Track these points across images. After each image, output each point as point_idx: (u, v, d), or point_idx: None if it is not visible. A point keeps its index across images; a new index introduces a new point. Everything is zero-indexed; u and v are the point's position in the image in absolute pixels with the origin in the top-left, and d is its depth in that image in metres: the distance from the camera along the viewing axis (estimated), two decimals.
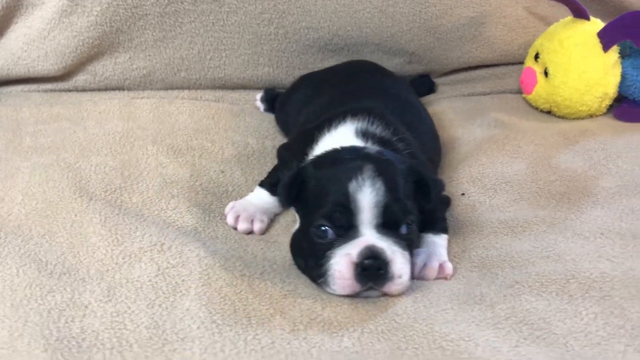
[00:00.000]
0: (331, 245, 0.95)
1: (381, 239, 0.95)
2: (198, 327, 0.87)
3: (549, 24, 1.70)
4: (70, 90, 1.59)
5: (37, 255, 0.99)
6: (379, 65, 1.54)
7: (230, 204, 1.17)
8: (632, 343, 0.88)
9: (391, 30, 1.61)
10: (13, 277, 0.93)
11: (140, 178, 1.25)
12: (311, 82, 1.49)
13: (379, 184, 0.94)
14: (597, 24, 1.56)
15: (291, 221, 1.21)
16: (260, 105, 1.59)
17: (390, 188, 0.95)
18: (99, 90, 1.59)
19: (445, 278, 1.05)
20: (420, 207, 1.03)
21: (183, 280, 0.97)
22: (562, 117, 1.60)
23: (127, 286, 0.94)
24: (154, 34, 1.51)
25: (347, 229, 0.95)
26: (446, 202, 1.22)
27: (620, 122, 1.56)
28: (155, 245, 1.04)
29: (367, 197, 0.94)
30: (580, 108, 1.55)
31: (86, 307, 0.89)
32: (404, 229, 0.97)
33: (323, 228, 0.96)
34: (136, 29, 1.50)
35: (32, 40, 1.49)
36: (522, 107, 1.66)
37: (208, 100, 1.60)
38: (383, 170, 0.96)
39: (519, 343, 0.89)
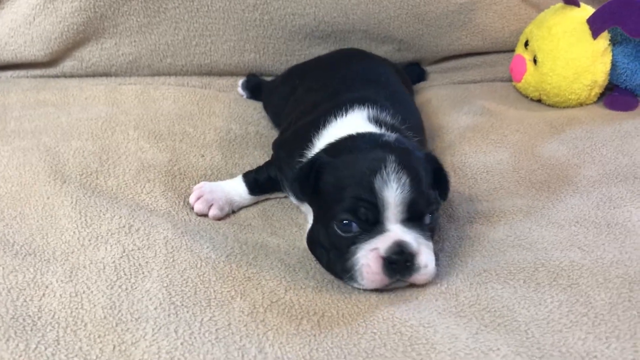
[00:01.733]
0: (356, 240, 0.93)
1: (407, 232, 0.93)
2: (155, 308, 0.87)
3: (540, 10, 1.67)
4: (58, 76, 1.60)
5: (5, 236, 1.00)
6: (367, 52, 1.53)
7: (201, 183, 1.17)
8: (593, 331, 0.87)
9: (379, 16, 1.59)
10: None
11: (118, 162, 1.25)
12: (300, 73, 1.48)
13: (404, 178, 0.92)
14: (587, 11, 1.53)
15: (269, 206, 1.21)
16: (242, 92, 1.59)
17: (415, 181, 0.93)
18: (86, 76, 1.60)
19: None
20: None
21: (147, 262, 0.97)
22: (552, 106, 1.57)
23: (90, 267, 0.94)
24: (139, 19, 1.51)
25: (373, 224, 0.93)
26: None
27: (610, 110, 1.53)
28: (123, 227, 1.05)
29: (393, 193, 0.92)
30: (570, 96, 1.53)
31: (46, 287, 0.90)
32: (427, 219, 0.96)
33: (346, 222, 0.93)
34: (120, 14, 1.50)
35: (18, 26, 1.50)
36: (512, 96, 1.64)
37: (194, 87, 1.61)
38: (406, 162, 0.94)
39: (479, 330, 0.88)
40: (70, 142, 1.31)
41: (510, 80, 1.68)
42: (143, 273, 0.95)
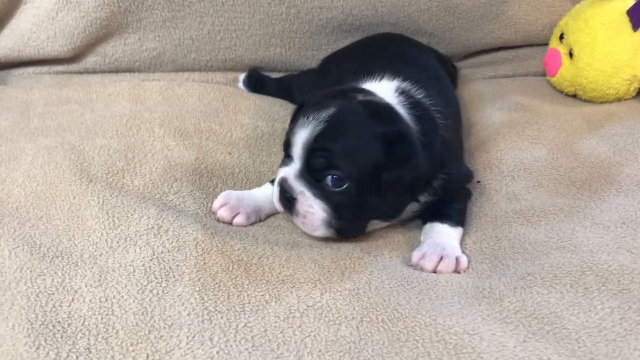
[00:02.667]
0: (282, 163, 1.03)
1: (299, 177, 0.99)
2: (188, 314, 0.84)
3: (575, 2, 1.61)
4: (80, 72, 1.57)
5: (32, 237, 0.97)
6: (406, 37, 1.48)
7: (226, 192, 1.11)
8: None
9: (408, 9, 1.54)
10: (5, 259, 0.91)
11: (144, 161, 1.22)
12: (336, 58, 1.44)
13: (319, 129, 0.95)
14: (625, 2, 1.47)
15: None
16: (243, 88, 1.54)
17: (326, 137, 0.95)
18: (109, 72, 1.57)
19: (459, 272, 1.00)
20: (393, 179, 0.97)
21: (177, 266, 0.94)
22: (588, 101, 1.52)
23: (120, 271, 0.91)
24: (163, 14, 1.48)
25: (290, 157, 1.01)
26: (467, 193, 1.16)
27: None
28: (152, 228, 1.02)
29: (301, 137, 0.97)
30: (607, 91, 1.47)
31: (75, 291, 0.86)
32: (328, 180, 0.96)
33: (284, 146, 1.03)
34: (144, 8, 1.47)
35: (41, 21, 1.47)
36: (546, 90, 1.58)
37: (219, 83, 1.57)
38: (339, 117, 0.95)
39: (527, 338, 0.84)
40: (95, 140, 1.28)
41: (543, 74, 1.63)
42: (174, 277, 0.91)
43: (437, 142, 1.02)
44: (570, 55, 1.51)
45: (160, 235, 1.00)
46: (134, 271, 0.91)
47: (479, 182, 1.23)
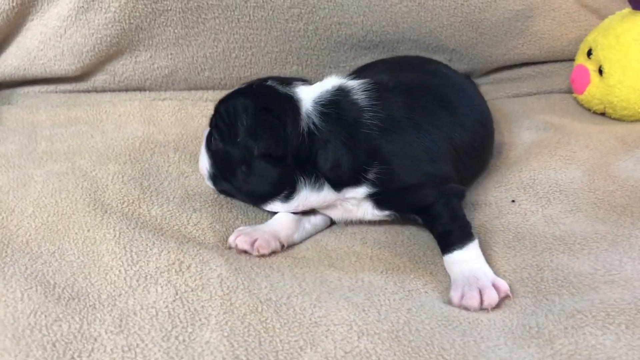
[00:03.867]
0: None
1: (206, 137, 1.12)
2: None
3: (601, 17, 1.56)
4: (89, 91, 1.50)
5: (45, 276, 0.90)
6: (433, 61, 1.41)
7: (240, 228, 1.07)
8: None
9: (430, 25, 1.49)
10: (17, 302, 0.84)
11: (160, 189, 1.16)
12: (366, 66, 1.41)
13: (224, 97, 1.10)
14: None
15: (321, 236, 1.11)
16: None
17: (218, 113, 1.08)
18: (119, 90, 1.50)
19: (507, 297, 0.95)
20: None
21: (203, 307, 0.87)
22: (618, 119, 1.46)
23: (141, 314, 0.84)
24: (176, 31, 1.41)
25: None
26: (445, 196, 1.05)
27: None
28: (173, 264, 0.95)
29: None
30: (639, 110, 1.41)
31: (95, 339, 0.80)
32: (211, 124, 1.11)
33: None
34: (157, 25, 1.40)
35: (48, 39, 1.40)
36: (573, 108, 1.53)
37: None
38: (231, 97, 1.08)
39: None
40: (108, 165, 1.21)
41: (568, 91, 1.57)
42: (200, 320, 0.85)
43: (332, 137, 1.02)
44: (600, 72, 1.45)
45: (182, 272, 0.93)
46: (157, 314, 0.85)
47: (513, 201, 1.18)
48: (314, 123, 1.03)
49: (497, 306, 0.94)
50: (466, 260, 1.00)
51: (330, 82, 1.09)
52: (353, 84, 1.09)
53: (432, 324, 0.89)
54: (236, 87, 1.13)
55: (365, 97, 1.06)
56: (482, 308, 0.93)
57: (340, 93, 1.07)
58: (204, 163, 1.12)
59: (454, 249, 1.01)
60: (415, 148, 1.06)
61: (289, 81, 1.09)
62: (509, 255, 1.05)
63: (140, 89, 1.49)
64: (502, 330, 0.89)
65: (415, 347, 0.84)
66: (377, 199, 1.06)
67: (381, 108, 1.06)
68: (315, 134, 1.02)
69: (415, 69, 1.31)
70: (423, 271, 1.03)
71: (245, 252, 1.02)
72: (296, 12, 1.43)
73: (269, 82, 1.09)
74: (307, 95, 1.06)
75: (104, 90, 1.50)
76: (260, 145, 1.01)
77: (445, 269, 1.03)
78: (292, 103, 1.04)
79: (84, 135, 1.33)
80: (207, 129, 1.13)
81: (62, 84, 1.50)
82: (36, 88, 1.50)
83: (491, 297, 0.94)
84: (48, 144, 1.30)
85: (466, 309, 0.93)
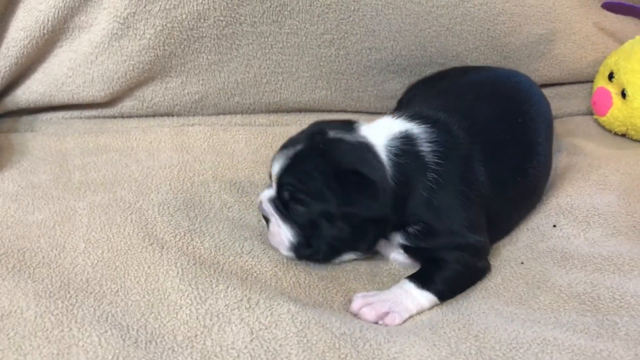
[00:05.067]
0: (267, 185, 1.10)
1: (272, 202, 1.05)
2: None
3: (619, 39, 1.60)
4: (115, 117, 1.47)
5: (116, 318, 0.88)
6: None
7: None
8: None
9: (457, 49, 1.51)
10: (96, 347, 0.82)
11: (207, 220, 1.14)
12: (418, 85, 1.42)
13: (285, 164, 1.03)
14: None
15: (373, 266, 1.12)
16: None
17: (290, 171, 1.02)
18: (147, 116, 1.48)
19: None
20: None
21: (280, 346, 0.86)
22: None
23: (223, 355, 0.83)
24: (209, 57, 1.40)
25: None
26: (468, 267, 1.05)
27: None
28: (241, 300, 0.94)
29: (274, 169, 1.05)
30: None
31: None
32: (293, 210, 1.03)
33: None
34: (190, 52, 1.39)
35: (78, 65, 1.38)
36: (595, 131, 1.56)
37: (262, 125, 1.50)
38: (302, 155, 1.02)
39: None
40: (150, 195, 1.19)
41: (586, 113, 1.61)
42: None
43: (409, 191, 1.02)
44: (623, 95, 1.49)
45: (252, 309, 0.92)
46: (239, 356, 0.84)
47: (554, 226, 1.20)
48: (393, 177, 1.00)
49: (551, 323, 0.95)
50: (407, 293, 1.01)
51: (394, 126, 1.06)
52: (419, 131, 1.05)
53: (503, 349, 0.91)
54: (292, 140, 1.06)
55: (430, 152, 1.04)
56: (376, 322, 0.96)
57: (409, 142, 1.03)
58: (284, 235, 1.04)
59: (414, 281, 1.02)
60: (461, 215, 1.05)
61: (347, 127, 1.05)
62: (562, 272, 1.07)
63: (168, 114, 1.47)
64: (573, 352, 0.90)
65: None
66: (406, 247, 1.07)
67: (442, 168, 1.03)
68: (396, 188, 1.00)
69: (483, 89, 1.26)
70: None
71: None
72: (329, 37, 1.43)
73: (333, 133, 1.03)
74: (379, 141, 1.03)
75: (130, 116, 1.47)
76: (359, 210, 0.99)
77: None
78: (372, 153, 1.01)
79: (118, 164, 1.30)
80: (266, 199, 1.06)
81: (87, 110, 1.47)
82: (59, 114, 1.47)
83: (391, 319, 0.97)
84: (82, 173, 1.27)
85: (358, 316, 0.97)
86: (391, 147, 1.02)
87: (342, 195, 0.98)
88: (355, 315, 0.98)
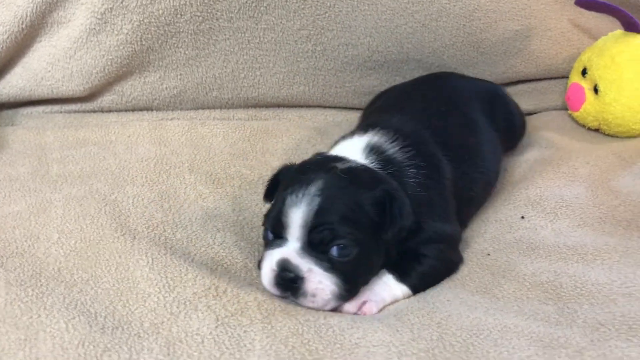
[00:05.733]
0: (269, 246, 0.98)
1: (303, 255, 0.95)
2: None
3: (593, 36, 1.63)
4: (95, 111, 1.50)
5: (84, 305, 0.90)
6: (464, 77, 1.45)
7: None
8: None
9: (433, 45, 1.53)
10: (63, 332, 0.84)
11: (181, 211, 1.16)
12: (383, 93, 1.47)
13: (315, 204, 0.94)
14: None
15: None
16: None
17: (325, 209, 0.94)
18: (126, 110, 1.50)
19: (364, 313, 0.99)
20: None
21: (245, 332, 0.88)
22: (612, 135, 1.53)
23: (187, 341, 0.85)
24: (187, 52, 1.42)
25: (281, 237, 0.97)
26: (441, 260, 1.08)
27: None
28: (209, 289, 0.96)
29: (297, 215, 0.94)
30: (634, 127, 1.48)
31: None
32: (334, 251, 0.95)
33: (266, 229, 1.00)
34: (168, 47, 1.41)
35: (57, 60, 1.40)
36: (569, 125, 1.59)
37: (241, 119, 1.52)
38: (329, 190, 0.95)
39: None
40: (125, 188, 1.21)
41: (562, 108, 1.64)
42: (245, 346, 0.86)
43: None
44: (595, 90, 1.51)
45: (220, 297, 0.95)
46: (203, 341, 0.85)
47: (522, 217, 1.22)
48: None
49: (513, 312, 0.97)
50: (385, 284, 1.02)
51: (358, 143, 1.09)
52: (382, 140, 1.09)
53: (464, 335, 0.92)
54: (293, 184, 0.97)
55: (403, 155, 1.08)
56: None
57: (380, 152, 1.08)
58: (328, 289, 0.95)
59: (392, 273, 1.03)
60: (439, 207, 1.09)
61: (327, 158, 1.06)
62: (527, 261, 1.09)
63: (147, 108, 1.49)
64: (531, 339, 0.91)
65: None
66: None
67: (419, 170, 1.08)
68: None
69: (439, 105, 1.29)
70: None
71: None
72: (305, 33, 1.45)
73: (352, 163, 1.02)
74: (364, 161, 1.05)
75: (110, 110, 1.50)
76: (401, 231, 0.99)
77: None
78: (378, 173, 1.03)
79: (96, 157, 1.32)
80: (294, 255, 0.95)
81: (67, 104, 1.49)
82: (40, 108, 1.49)
83: (346, 307, 0.98)
84: (60, 166, 1.29)
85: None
86: (372, 162, 1.05)
87: (390, 221, 0.97)
88: None
